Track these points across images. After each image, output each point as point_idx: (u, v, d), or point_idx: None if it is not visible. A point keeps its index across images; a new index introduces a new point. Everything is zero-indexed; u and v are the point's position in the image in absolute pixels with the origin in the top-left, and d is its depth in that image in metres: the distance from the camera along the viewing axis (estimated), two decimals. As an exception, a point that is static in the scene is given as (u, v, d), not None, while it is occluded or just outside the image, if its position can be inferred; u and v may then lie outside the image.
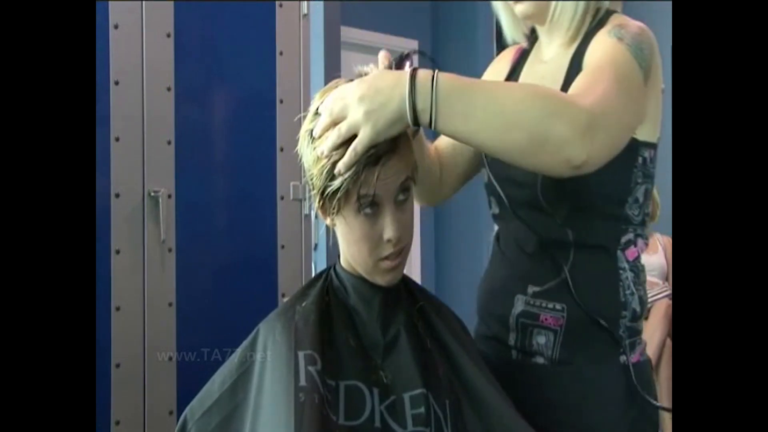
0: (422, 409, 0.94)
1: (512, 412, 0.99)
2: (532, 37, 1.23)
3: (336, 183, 0.93)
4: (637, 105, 1.01)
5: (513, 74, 1.23)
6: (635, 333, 1.11)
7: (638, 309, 1.11)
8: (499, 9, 1.22)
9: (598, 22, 1.12)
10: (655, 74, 1.05)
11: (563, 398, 1.09)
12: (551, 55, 1.17)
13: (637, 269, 1.12)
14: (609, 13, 1.13)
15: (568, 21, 1.12)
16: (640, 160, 1.09)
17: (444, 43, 4.42)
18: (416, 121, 0.90)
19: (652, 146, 1.10)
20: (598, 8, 1.14)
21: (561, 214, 1.09)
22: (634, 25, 1.07)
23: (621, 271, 1.10)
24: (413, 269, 4.19)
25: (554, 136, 0.87)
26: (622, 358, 1.08)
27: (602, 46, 1.05)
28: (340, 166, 0.92)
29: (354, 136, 0.91)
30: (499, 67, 1.28)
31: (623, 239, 1.11)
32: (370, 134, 0.90)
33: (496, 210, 1.20)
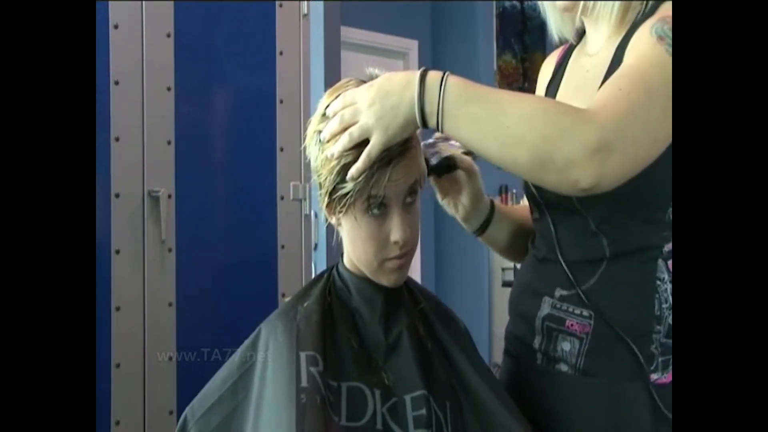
0: (423, 411, 0.94)
1: (511, 416, 0.98)
2: (580, 31, 1.18)
3: (348, 186, 0.93)
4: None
5: (559, 69, 1.19)
6: (670, 351, 1.01)
7: None
8: (546, 5, 1.16)
9: (647, 11, 1.04)
10: None
11: (585, 412, 1.03)
12: (597, 47, 1.11)
13: None
14: (660, 1, 1.04)
15: (608, 11, 1.06)
16: None
17: (444, 43, 4.42)
18: (425, 123, 0.89)
19: None
20: None
21: (596, 216, 1.03)
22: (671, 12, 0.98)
23: (659, 282, 1.01)
24: (413, 269, 4.19)
25: (559, 156, 0.84)
26: (654, 376, 1.00)
27: (640, 46, 0.96)
28: (353, 171, 0.92)
29: (365, 140, 0.91)
30: (546, 70, 1.24)
31: (666, 248, 1.02)
32: (382, 139, 0.90)
33: (536, 214, 1.15)
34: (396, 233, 0.96)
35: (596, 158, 0.84)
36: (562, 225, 1.08)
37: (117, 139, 2.15)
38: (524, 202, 1.25)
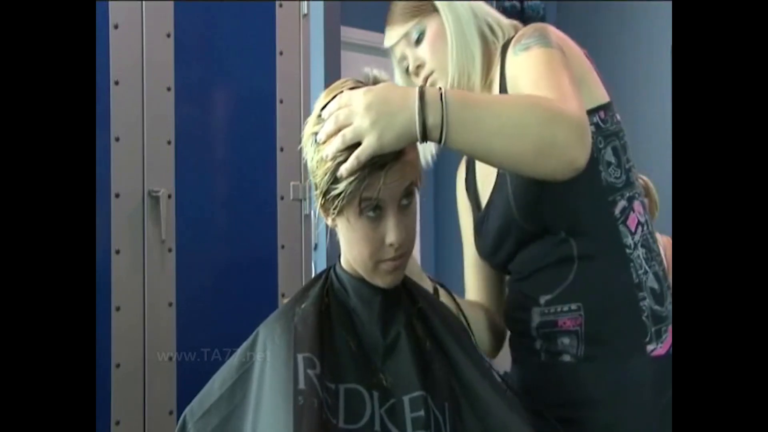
0: (422, 412, 0.94)
1: (510, 410, 0.98)
2: None
3: (340, 186, 0.93)
4: (577, 82, 1.06)
5: None
6: (661, 319, 1.08)
7: (657, 287, 1.08)
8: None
9: (502, 52, 1.16)
10: (565, 45, 1.10)
11: (590, 394, 1.09)
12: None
13: (648, 243, 1.10)
14: (507, 43, 1.17)
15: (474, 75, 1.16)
16: (592, 127, 1.07)
17: (444, 43, 4.41)
18: (425, 137, 0.90)
19: (601, 108, 1.12)
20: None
21: (563, 225, 1.10)
22: (520, 32, 1.13)
23: (628, 250, 1.08)
24: (413, 269, 4.18)
25: (560, 140, 0.92)
26: (649, 347, 1.06)
27: (521, 67, 1.08)
28: (342, 170, 0.92)
29: (359, 142, 0.91)
30: None
31: (617, 210, 1.10)
32: (374, 144, 0.90)
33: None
34: (391, 236, 0.96)
35: (583, 138, 0.94)
36: (533, 243, 1.13)
37: (117, 139, 2.15)
38: (467, 294, 1.30)
